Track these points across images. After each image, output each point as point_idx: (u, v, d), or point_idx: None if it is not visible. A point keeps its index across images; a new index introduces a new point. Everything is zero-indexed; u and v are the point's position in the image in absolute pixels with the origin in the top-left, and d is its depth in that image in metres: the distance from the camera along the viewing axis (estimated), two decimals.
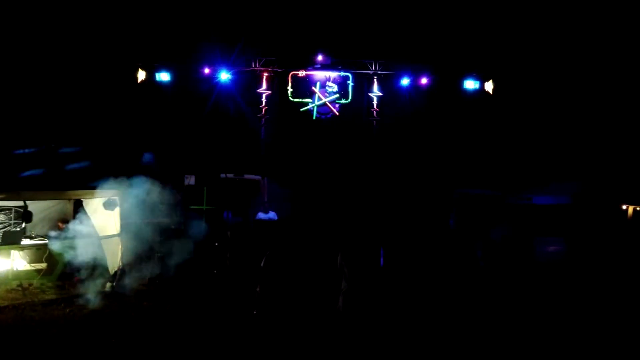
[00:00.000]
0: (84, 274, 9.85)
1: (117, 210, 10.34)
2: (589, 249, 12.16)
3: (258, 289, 6.00)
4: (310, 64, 16.76)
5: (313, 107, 16.77)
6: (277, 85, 16.89)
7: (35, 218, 10.98)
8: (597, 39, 17.21)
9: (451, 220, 15.12)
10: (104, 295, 9.51)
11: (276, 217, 12.95)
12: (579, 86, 17.09)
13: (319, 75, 16.82)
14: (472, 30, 17.68)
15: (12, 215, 10.73)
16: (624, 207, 13.24)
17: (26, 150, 10.43)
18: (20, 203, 10.18)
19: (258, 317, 5.91)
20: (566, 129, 16.74)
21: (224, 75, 16.27)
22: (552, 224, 12.73)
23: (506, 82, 16.99)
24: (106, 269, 10.27)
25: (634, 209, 13.04)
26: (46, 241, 9.94)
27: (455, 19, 17.80)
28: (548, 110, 17.10)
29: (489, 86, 16.82)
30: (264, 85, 16.74)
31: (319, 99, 16.74)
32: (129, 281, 10.29)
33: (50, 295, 9.30)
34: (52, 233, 10.51)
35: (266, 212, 12.97)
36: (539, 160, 16.10)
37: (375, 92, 17.13)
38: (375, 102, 17.18)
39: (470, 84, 16.79)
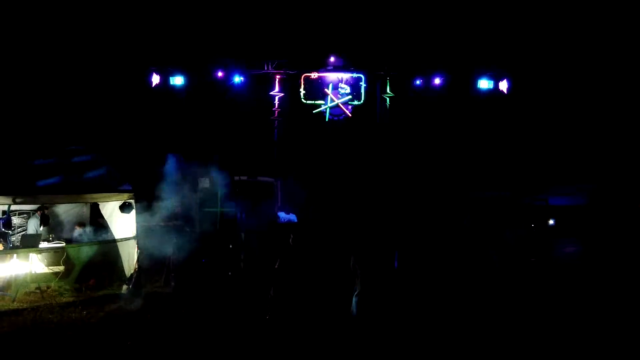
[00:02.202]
0: (100, 276, 9.99)
1: (133, 213, 10.45)
2: (606, 250, 12.00)
3: (272, 292, 6.01)
4: (323, 66, 16.78)
5: (326, 108, 16.79)
6: (289, 87, 16.93)
7: (52, 222, 11.17)
8: (612, 41, 16.98)
9: (465, 222, 15.01)
10: (120, 297, 9.61)
11: (296, 219, 13.02)
12: (595, 87, 16.86)
13: (332, 76, 16.84)
14: (486, 30, 17.55)
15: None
16: None
17: (44, 155, 10.58)
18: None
19: (271, 319, 5.92)
20: (582, 130, 16.52)
21: (237, 79, 16.37)
22: (569, 224, 12.60)
23: (521, 82, 16.82)
24: (122, 271, 10.38)
25: None
26: (64, 244, 10.08)
27: (469, 18, 17.68)
28: (564, 111, 16.90)
29: (503, 86, 16.66)
30: (277, 88, 16.80)
31: (332, 100, 16.75)
32: (144, 283, 10.40)
33: (67, 298, 9.42)
34: (70, 236, 10.70)
35: (287, 213, 13.06)
36: (554, 161, 15.92)
37: (388, 93, 17.08)
38: (388, 103, 17.13)
39: (484, 84, 16.65)
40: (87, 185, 10.20)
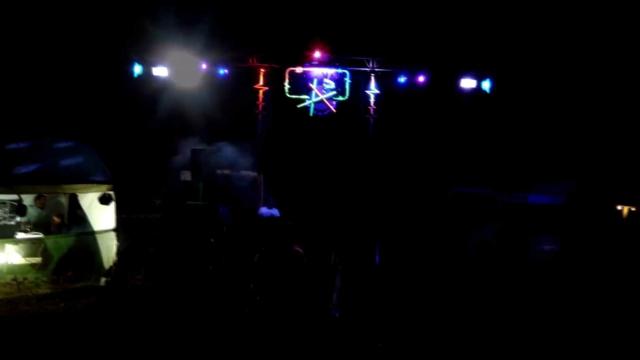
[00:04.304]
0: (78, 268, 9.85)
1: (113, 204, 10.32)
2: (583, 249, 12.21)
3: (251, 286, 5.99)
4: (308, 61, 16.74)
5: (310, 103, 16.76)
6: (274, 81, 16.86)
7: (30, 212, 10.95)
8: (593, 40, 17.24)
9: (448, 218, 15.15)
10: (98, 289, 9.51)
11: (278, 214, 12.95)
12: (575, 86, 17.13)
13: (316, 72, 16.81)
14: (469, 29, 17.69)
15: (6, 209, 10.67)
16: (619, 207, 13.30)
17: (21, 144, 10.37)
18: (15, 197, 10.15)
19: (251, 314, 5.92)
20: (561, 129, 16.79)
21: (221, 71, 16.24)
22: (547, 223, 12.77)
23: (503, 81, 17.01)
24: (101, 263, 10.26)
25: (629, 210, 13.10)
26: (41, 235, 9.91)
27: (453, 17, 17.80)
28: (544, 109, 17.14)
29: (485, 85, 16.83)
30: (261, 81, 16.71)
31: (316, 95, 16.73)
32: (123, 276, 10.31)
33: (44, 290, 9.28)
34: (48, 227, 10.50)
35: (270, 207, 12.99)
36: (534, 159, 16.15)
37: (373, 89, 17.12)
38: (372, 100, 17.17)
39: (467, 83, 16.79)
40: (66, 175, 10.02)
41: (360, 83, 17.23)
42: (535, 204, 12.85)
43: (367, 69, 16.99)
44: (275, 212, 12.98)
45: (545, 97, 17.24)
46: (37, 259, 9.51)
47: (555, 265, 12.07)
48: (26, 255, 9.51)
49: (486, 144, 16.85)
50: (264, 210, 12.98)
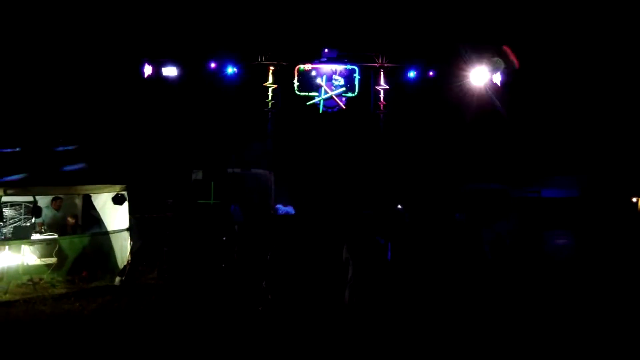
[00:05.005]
0: (93, 268, 9.96)
1: (126, 204, 10.41)
2: (598, 242, 12.08)
3: (264, 284, 6.01)
4: (317, 58, 16.71)
5: (320, 100, 16.74)
6: (283, 79, 16.85)
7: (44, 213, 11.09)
8: (605, 32, 17.00)
9: (458, 214, 15.06)
10: (113, 289, 9.60)
11: (293, 211, 13.02)
12: (587, 78, 16.90)
13: (325, 68, 16.77)
14: (479, 22, 17.53)
15: (22, 211, 10.82)
16: (634, 199, 13.14)
17: (34, 146, 10.53)
18: (30, 198, 10.28)
19: (264, 311, 5.93)
20: (575, 122, 16.58)
21: (230, 70, 16.27)
22: (561, 217, 12.65)
23: (514, 75, 16.82)
24: (115, 263, 10.36)
25: None
26: (56, 236, 10.03)
27: (463, 11, 17.65)
28: (556, 103, 16.94)
29: (497, 78, 16.65)
30: (270, 79, 16.72)
31: (326, 92, 16.70)
32: (137, 275, 10.39)
33: (60, 290, 9.39)
34: (62, 228, 10.63)
35: (285, 205, 13.07)
36: (547, 153, 15.98)
37: (382, 85, 17.04)
38: (382, 95, 17.10)
39: (477, 77, 16.62)
40: (80, 176, 10.14)
41: (369, 79, 17.16)
42: (548, 198, 12.74)
43: (376, 65, 16.92)
44: (290, 209, 13.06)
45: (557, 89, 17.02)
46: (52, 260, 9.63)
47: (570, 260, 11.96)
48: (42, 256, 9.63)
49: (498, 138, 16.70)
50: (280, 207, 13.06)
